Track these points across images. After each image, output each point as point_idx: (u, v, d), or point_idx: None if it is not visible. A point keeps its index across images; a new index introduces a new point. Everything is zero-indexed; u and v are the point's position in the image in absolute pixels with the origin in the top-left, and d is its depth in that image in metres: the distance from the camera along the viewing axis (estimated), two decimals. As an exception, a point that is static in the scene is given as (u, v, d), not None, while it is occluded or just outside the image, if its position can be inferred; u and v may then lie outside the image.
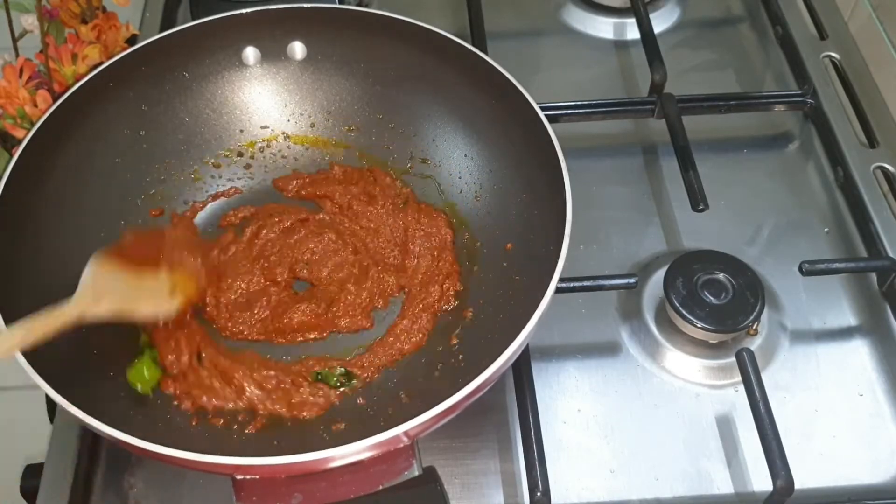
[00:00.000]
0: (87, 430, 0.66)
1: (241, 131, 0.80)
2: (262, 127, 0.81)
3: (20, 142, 0.66)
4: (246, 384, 0.66)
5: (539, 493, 0.61)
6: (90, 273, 0.62)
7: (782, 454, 0.62)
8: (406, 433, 0.53)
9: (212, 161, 0.79)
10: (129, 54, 0.73)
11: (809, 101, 0.89)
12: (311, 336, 0.70)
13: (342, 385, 0.67)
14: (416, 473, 0.56)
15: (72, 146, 0.70)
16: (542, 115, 0.68)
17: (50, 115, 0.68)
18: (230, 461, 0.52)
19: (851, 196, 0.82)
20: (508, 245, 0.71)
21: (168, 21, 0.98)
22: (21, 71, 0.78)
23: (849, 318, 0.75)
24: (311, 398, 0.66)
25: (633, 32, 0.97)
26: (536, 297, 0.58)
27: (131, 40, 0.87)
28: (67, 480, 0.65)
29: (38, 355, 0.56)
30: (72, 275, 0.67)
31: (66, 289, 0.66)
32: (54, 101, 0.69)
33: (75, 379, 0.57)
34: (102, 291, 0.61)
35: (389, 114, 0.80)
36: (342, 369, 0.68)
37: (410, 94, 0.79)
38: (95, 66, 0.73)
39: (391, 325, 0.71)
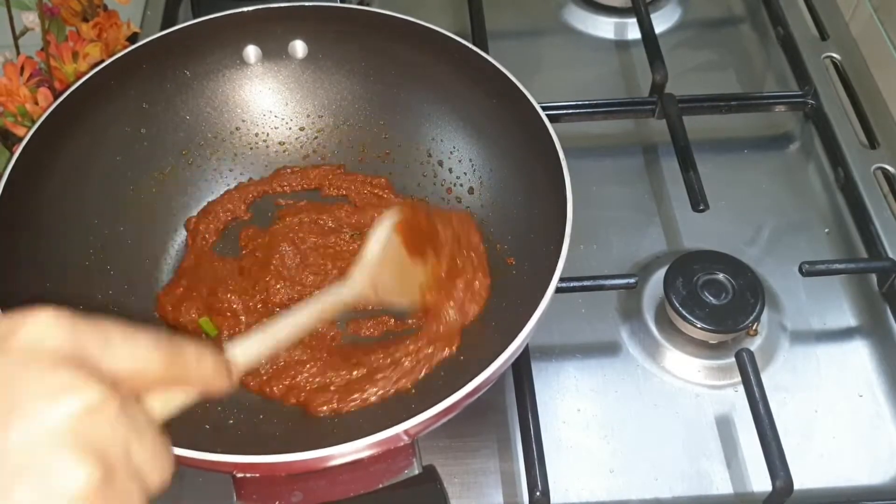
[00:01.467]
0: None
1: (241, 129, 0.80)
2: (263, 125, 0.81)
3: (21, 140, 0.66)
4: None
5: (538, 493, 0.61)
6: (375, 249, 0.59)
7: (782, 455, 0.62)
8: (406, 432, 0.53)
9: (213, 159, 0.79)
10: (130, 52, 0.73)
11: (810, 101, 0.89)
12: None
13: None
14: (416, 472, 0.56)
15: (73, 144, 0.70)
16: (543, 114, 0.68)
17: (51, 113, 0.68)
18: (230, 459, 0.52)
19: (852, 197, 0.82)
20: (508, 248, 0.71)
21: (169, 19, 0.98)
22: (22, 69, 0.78)
23: (849, 319, 0.75)
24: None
25: (634, 32, 0.97)
26: (536, 296, 0.58)
27: (132, 38, 0.87)
28: (67, 478, 0.65)
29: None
30: (72, 273, 0.68)
31: (67, 287, 0.66)
32: (55, 98, 0.69)
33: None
34: (379, 278, 0.59)
35: (390, 113, 0.80)
36: None
37: (411, 93, 0.79)
38: (96, 64, 0.73)
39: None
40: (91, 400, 0.31)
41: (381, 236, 0.60)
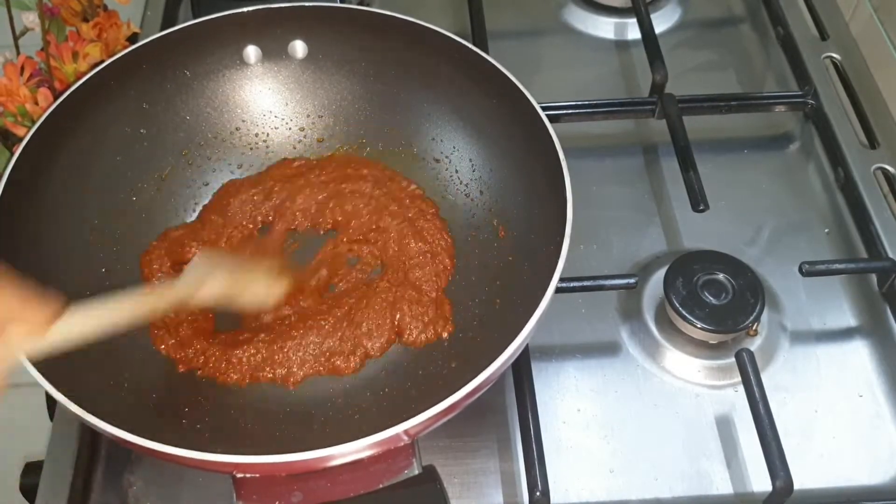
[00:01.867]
0: (86, 428, 0.66)
1: (241, 129, 0.80)
2: (263, 125, 0.81)
3: (21, 140, 0.66)
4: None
5: (538, 493, 0.61)
6: (195, 261, 0.64)
7: (782, 455, 0.62)
8: (406, 432, 0.53)
9: (213, 159, 0.79)
10: (130, 52, 0.73)
11: (810, 101, 0.89)
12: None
13: None
14: (416, 472, 0.56)
15: (73, 144, 0.70)
16: (542, 114, 0.68)
17: (51, 114, 0.68)
18: (230, 459, 0.52)
19: (852, 197, 0.82)
20: (506, 240, 0.71)
21: (169, 19, 0.98)
22: (22, 69, 0.78)
23: (849, 319, 0.75)
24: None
25: (634, 32, 0.97)
26: (536, 296, 0.58)
27: (132, 38, 0.87)
28: (67, 478, 0.65)
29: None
30: (72, 273, 0.68)
31: (67, 287, 0.66)
32: (55, 99, 0.69)
33: (75, 376, 0.57)
34: (206, 277, 0.62)
35: (390, 113, 0.80)
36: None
37: (411, 94, 0.79)
38: (96, 65, 0.73)
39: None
40: None
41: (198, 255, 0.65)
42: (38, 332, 0.42)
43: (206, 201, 0.78)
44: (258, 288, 0.66)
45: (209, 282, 0.61)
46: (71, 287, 0.67)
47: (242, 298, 0.64)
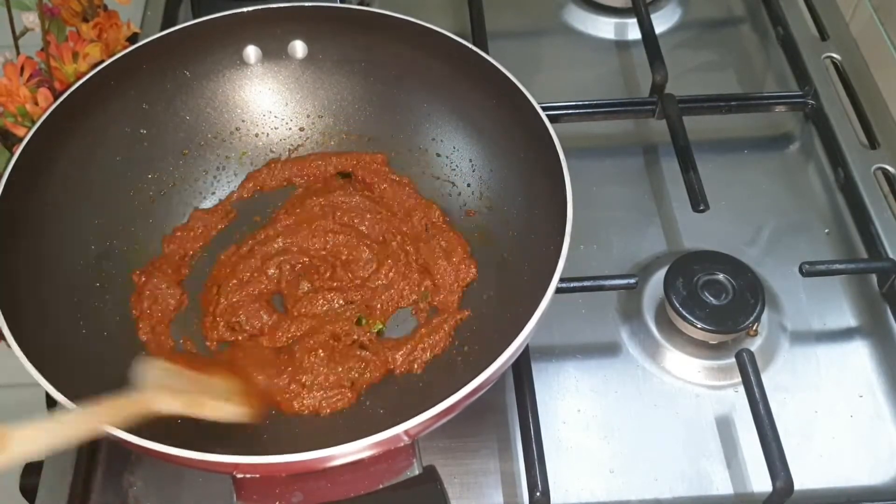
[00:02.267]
0: (86, 429, 0.66)
1: (241, 130, 0.80)
2: (263, 125, 0.81)
3: (21, 140, 0.66)
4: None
5: (538, 494, 0.61)
6: (146, 372, 0.58)
7: (782, 455, 0.62)
8: (406, 432, 0.53)
9: (212, 159, 0.79)
10: (130, 52, 0.73)
11: (810, 101, 0.89)
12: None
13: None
14: (417, 472, 0.56)
15: (73, 144, 0.70)
16: (543, 114, 0.68)
17: (51, 114, 0.68)
18: (230, 459, 0.52)
19: (852, 197, 0.82)
20: (507, 240, 0.71)
21: (169, 20, 0.98)
22: (22, 69, 0.78)
23: (849, 320, 0.75)
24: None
25: (634, 33, 0.97)
26: (537, 296, 0.58)
27: (132, 38, 0.87)
28: (67, 479, 0.65)
29: (37, 352, 0.56)
30: (71, 273, 0.68)
31: (66, 289, 0.66)
32: (55, 99, 0.69)
33: (75, 376, 0.57)
34: (165, 387, 0.57)
35: (390, 113, 0.80)
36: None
37: (411, 94, 0.79)
38: (96, 65, 0.73)
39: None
40: None
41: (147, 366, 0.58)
42: None
43: (206, 205, 0.78)
44: (219, 404, 0.60)
45: (165, 395, 0.56)
46: (70, 288, 0.67)
47: (203, 412, 0.59)
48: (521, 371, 0.68)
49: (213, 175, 0.79)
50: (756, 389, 0.65)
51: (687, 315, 0.70)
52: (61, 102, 0.69)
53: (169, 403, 0.56)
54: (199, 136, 0.79)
